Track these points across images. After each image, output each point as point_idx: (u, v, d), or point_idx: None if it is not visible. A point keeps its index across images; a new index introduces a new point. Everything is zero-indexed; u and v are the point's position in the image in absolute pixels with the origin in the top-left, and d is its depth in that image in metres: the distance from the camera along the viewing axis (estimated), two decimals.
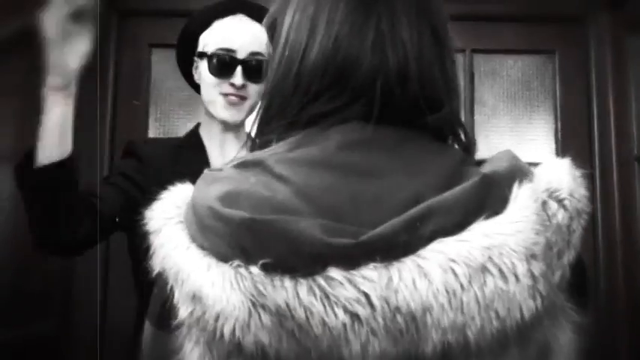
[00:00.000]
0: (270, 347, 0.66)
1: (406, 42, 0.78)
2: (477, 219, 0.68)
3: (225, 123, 1.81)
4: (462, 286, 0.65)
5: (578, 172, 0.75)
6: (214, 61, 1.77)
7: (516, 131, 2.80)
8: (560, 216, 0.70)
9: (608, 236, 2.64)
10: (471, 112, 2.76)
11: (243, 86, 1.75)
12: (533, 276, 0.67)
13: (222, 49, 1.77)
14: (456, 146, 0.83)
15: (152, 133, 2.74)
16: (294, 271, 0.65)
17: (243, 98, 1.77)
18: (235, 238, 0.67)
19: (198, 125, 1.91)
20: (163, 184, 1.74)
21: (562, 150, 2.72)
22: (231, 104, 1.77)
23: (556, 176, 0.73)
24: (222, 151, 1.86)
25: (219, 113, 1.79)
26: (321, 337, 0.65)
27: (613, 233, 2.64)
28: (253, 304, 0.65)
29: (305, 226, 0.66)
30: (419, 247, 0.66)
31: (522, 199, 0.69)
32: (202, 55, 1.80)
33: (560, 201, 0.71)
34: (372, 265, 0.65)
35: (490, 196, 0.70)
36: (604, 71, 2.72)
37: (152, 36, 2.73)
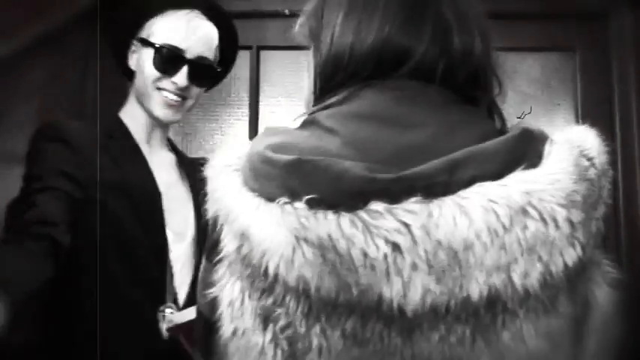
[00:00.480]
0: (312, 282, 0.67)
1: (472, 24, 0.85)
2: (516, 169, 0.70)
3: (157, 120, 1.71)
4: (503, 226, 0.67)
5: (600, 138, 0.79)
6: (160, 55, 1.64)
7: None
8: (592, 172, 0.73)
9: (631, 239, 2.62)
10: None
11: (185, 87, 1.66)
12: (572, 223, 0.68)
13: (171, 45, 1.65)
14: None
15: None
16: (337, 206, 0.68)
17: (183, 98, 1.68)
18: (283, 178, 0.71)
19: (117, 111, 1.76)
20: (96, 177, 1.63)
21: None
22: (170, 105, 1.68)
23: (584, 138, 0.77)
24: (149, 142, 1.75)
25: (154, 110, 1.68)
26: (361, 270, 0.66)
27: (636, 231, 2.62)
28: (297, 238, 0.67)
29: (349, 165, 0.70)
30: (458, 188, 0.69)
31: (558, 154, 0.72)
32: (147, 43, 1.67)
33: (589, 159, 0.74)
34: (413, 199, 0.67)
35: (529, 148, 0.73)
36: (626, 69, 2.68)
37: None
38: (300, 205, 0.68)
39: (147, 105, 1.69)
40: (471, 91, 0.84)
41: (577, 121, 2.73)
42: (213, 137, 2.78)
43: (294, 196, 0.69)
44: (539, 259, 0.67)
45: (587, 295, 0.73)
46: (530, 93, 2.80)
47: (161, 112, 1.68)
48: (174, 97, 1.67)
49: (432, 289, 0.66)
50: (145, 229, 1.60)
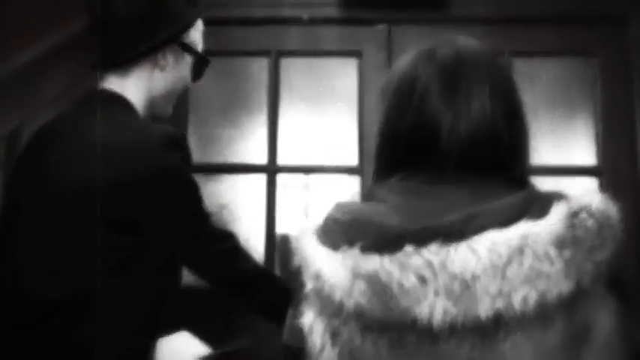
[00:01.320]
0: (365, 307, 0.92)
1: (477, 115, 1.05)
2: (519, 221, 0.91)
3: (155, 114, 1.71)
4: (504, 262, 0.88)
5: (613, 201, 0.96)
6: (201, 64, 1.73)
7: (556, 135, 2.76)
8: (590, 223, 0.91)
9: None
10: None
11: None
12: (565, 260, 0.88)
13: (205, 56, 1.74)
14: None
15: (192, 140, 2.77)
16: (381, 250, 0.93)
17: None
18: (344, 231, 0.99)
19: (131, 109, 1.61)
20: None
21: (603, 154, 2.68)
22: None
23: (589, 197, 0.95)
24: None
25: (166, 110, 1.73)
26: (399, 296, 0.91)
27: None
28: (353, 274, 0.93)
29: (389, 220, 0.97)
30: (471, 235, 0.91)
31: (558, 209, 0.92)
32: (192, 51, 1.70)
33: (589, 212, 0.92)
34: (435, 243, 0.91)
35: (531, 206, 0.94)
36: None
37: None
38: (356, 250, 0.94)
39: (163, 105, 1.71)
40: (485, 170, 1.06)
41: (596, 126, 2.72)
42: (233, 143, 2.80)
43: (352, 245, 0.95)
44: (536, 288, 0.88)
45: (587, 319, 0.91)
46: (550, 97, 2.78)
47: (169, 111, 1.76)
48: None
49: (449, 311, 0.89)
50: None
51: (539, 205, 0.94)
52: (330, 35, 2.80)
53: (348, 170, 2.78)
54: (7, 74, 1.91)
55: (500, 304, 0.88)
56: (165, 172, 1.46)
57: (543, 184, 2.78)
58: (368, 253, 0.93)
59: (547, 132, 2.76)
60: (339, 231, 0.99)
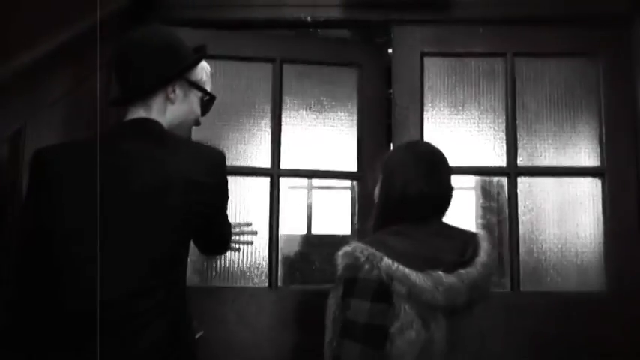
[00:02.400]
0: (422, 296, 1.62)
1: (445, 183, 1.83)
2: (473, 260, 1.74)
3: None
4: (469, 283, 1.67)
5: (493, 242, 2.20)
6: (209, 101, 2.01)
7: (560, 136, 2.75)
8: (490, 259, 1.78)
9: None
10: (513, 117, 2.74)
11: None
12: (490, 280, 1.78)
13: (209, 91, 2.00)
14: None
15: None
16: (420, 270, 1.64)
17: None
18: (425, 261, 1.67)
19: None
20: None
21: (606, 154, 2.68)
22: None
23: (486, 244, 1.81)
24: None
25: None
26: (430, 292, 1.62)
27: None
28: (436, 285, 1.63)
29: (425, 256, 1.70)
30: (457, 268, 1.68)
31: (484, 249, 1.77)
32: (201, 89, 1.95)
33: (489, 254, 1.79)
34: (441, 271, 1.65)
35: (474, 249, 1.76)
36: None
37: (192, 45, 2.75)
38: (439, 272, 1.65)
39: (180, 133, 1.94)
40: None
41: (600, 127, 2.72)
42: (236, 147, 2.80)
43: (434, 269, 1.65)
44: (480, 291, 1.72)
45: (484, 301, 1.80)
46: (553, 99, 2.78)
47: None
48: None
49: (448, 301, 1.64)
50: None
51: (476, 247, 1.77)
52: (333, 48, 2.86)
53: (348, 175, 2.83)
54: (10, 75, 1.91)
55: (467, 297, 1.67)
56: (225, 178, 1.89)
57: (547, 185, 2.77)
58: (446, 273, 1.65)
59: (550, 133, 2.76)
60: (420, 259, 1.66)
